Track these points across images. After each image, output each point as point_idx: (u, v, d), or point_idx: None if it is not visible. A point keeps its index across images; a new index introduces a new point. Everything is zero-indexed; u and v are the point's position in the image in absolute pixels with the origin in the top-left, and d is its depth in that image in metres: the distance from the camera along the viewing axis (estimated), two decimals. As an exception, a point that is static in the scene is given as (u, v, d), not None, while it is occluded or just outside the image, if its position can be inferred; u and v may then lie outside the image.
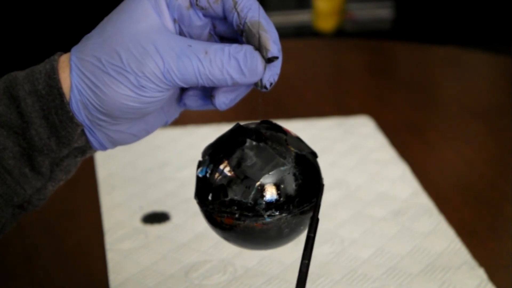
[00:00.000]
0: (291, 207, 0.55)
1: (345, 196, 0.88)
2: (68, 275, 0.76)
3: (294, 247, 0.77)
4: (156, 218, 0.84)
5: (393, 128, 1.05)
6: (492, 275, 0.73)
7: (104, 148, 0.59)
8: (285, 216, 0.55)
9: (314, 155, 0.58)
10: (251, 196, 0.54)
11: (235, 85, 0.56)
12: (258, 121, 0.58)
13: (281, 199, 0.55)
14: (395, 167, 0.94)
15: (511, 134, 1.02)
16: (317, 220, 0.56)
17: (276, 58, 0.55)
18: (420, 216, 0.83)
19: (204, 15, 0.57)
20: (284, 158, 0.55)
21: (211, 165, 0.56)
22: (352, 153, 0.98)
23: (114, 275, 0.75)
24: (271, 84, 0.56)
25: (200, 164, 0.57)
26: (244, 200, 0.54)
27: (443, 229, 0.81)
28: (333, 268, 0.75)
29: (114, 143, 0.59)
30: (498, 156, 1.00)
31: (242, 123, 0.58)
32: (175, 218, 0.84)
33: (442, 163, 0.98)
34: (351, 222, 0.82)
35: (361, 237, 0.80)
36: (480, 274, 0.73)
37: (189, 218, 0.83)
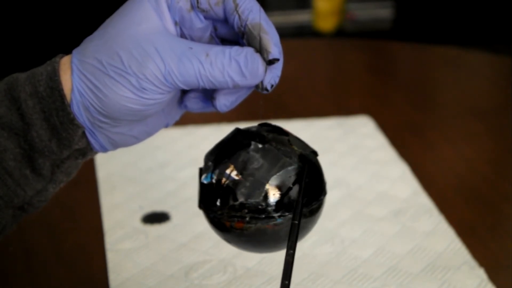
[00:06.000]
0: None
1: (345, 196, 0.88)
2: (68, 275, 0.76)
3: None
4: (156, 218, 0.84)
5: (393, 128, 1.05)
6: (492, 275, 0.73)
7: (104, 150, 0.59)
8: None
9: (315, 154, 0.58)
10: (261, 198, 0.54)
11: (236, 88, 0.56)
12: (256, 124, 0.58)
13: (291, 199, 0.55)
14: (395, 167, 0.94)
15: (511, 134, 1.02)
16: (302, 205, 0.55)
17: (277, 60, 0.55)
18: (420, 216, 0.83)
19: (205, 18, 0.57)
20: (290, 158, 0.55)
21: (217, 171, 0.56)
22: (352, 153, 0.98)
23: (114, 275, 0.75)
24: (272, 86, 0.56)
25: (203, 170, 0.57)
26: (254, 203, 0.54)
27: (443, 229, 0.81)
28: (333, 268, 0.75)
29: (115, 145, 0.59)
30: (498, 156, 1.00)
31: (241, 125, 0.58)
32: (175, 218, 0.84)
33: (442, 163, 0.98)
34: (351, 222, 0.82)
35: (361, 236, 0.80)
36: (480, 274, 0.73)
37: (189, 218, 0.83)
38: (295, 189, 0.55)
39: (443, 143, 1.03)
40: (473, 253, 0.76)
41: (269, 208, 0.54)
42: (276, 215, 0.55)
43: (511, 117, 1.08)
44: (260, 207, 0.54)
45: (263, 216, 0.54)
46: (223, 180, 0.55)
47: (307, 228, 0.57)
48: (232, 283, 0.73)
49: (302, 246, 0.77)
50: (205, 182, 0.56)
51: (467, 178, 0.95)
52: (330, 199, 0.86)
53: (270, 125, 0.58)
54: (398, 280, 0.73)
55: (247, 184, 0.54)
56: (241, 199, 0.54)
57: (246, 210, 0.55)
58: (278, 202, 0.54)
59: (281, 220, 0.55)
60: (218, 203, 0.55)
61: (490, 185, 0.92)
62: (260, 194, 0.54)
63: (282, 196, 0.55)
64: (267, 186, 0.54)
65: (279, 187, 0.55)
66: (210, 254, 0.77)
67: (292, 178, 0.55)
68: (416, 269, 0.74)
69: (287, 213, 0.55)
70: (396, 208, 0.85)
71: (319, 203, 0.57)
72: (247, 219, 0.55)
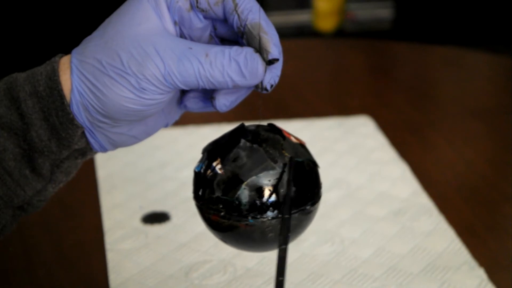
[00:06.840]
0: (276, 212, 0.55)
1: (345, 196, 0.88)
2: (68, 275, 0.76)
3: (295, 247, 0.77)
4: (156, 218, 0.84)
5: (393, 128, 1.05)
6: (492, 275, 0.73)
7: (104, 150, 0.59)
8: (269, 220, 0.55)
9: (313, 163, 0.57)
10: (236, 195, 0.54)
11: (236, 88, 0.56)
12: (264, 123, 0.58)
13: (267, 202, 0.54)
14: (395, 167, 0.94)
15: (511, 134, 1.02)
16: (290, 198, 0.55)
17: (277, 60, 0.55)
18: (420, 216, 0.83)
19: (205, 17, 0.57)
20: (275, 162, 0.55)
21: (206, 162, 0.56)
22: (352, 153, 0.98)
23: (114, 275, 0.75)
24: (271, 86, 0.56)
25: (199, 160, 0.58)
26: (229, 199, 0.54)
27: (443, 229, 0.81)
28: (333, 268, 0.75)
29: (115, 145, 0.59)
30: (498, 156, 1.00)
31: (247, 123, 0.58)
32: (175, 218, 0.84)
33: (442, 163, 0.98)
34: (351, 222, 0.82)
35: (361, 236, 0.80)
36: (480, 274, 0.73)
37: (189, 218, 0.83)
38: (273, 193, 0.54)
39: (443, 143, 1.03)
40: (473, 253, 0.76)
41: (243, 207, 0.54)
42: (249, 215, 0.54)
43: (511, 117, 1.08)
44: (234, 204, 0.54)
45: (236, 214, 0.54)
46: (208, 171, 0.56)
47: (295, 230, 0.57)
48: (232, 283, 0.73)
49: (302, 246, 0.77)
50: (196, 170, 0.57)
51: (467, 178, 0.95)
52: (330, 199, 0.86)
53: (273, 126, 0.58)
54: (398, 280, 0.73)
55: (226, 179, 0.55)
56: (217, 193, 0.55)
57: (221, 205, 0.55)
58: (252, 203, 0.54)
59: (253, 222, 0.54)
60: (200, 193, 0.56)
61: (490, 185, 0.92)
62: (235, 191, 0.54)
63: (258, 197, 0.54)
64: (244, 186, 0.54)
65: (256, 188, 0.54)
66: (210, 254, 0.77)
67: (272, 182, 0.54)
68: (416, 269, 0.74)
69: (260, 216, 0.54)
70: (396, 208, 0.85)
71: (299, 211, 0.55)
72: (222, 214, 0.55)
